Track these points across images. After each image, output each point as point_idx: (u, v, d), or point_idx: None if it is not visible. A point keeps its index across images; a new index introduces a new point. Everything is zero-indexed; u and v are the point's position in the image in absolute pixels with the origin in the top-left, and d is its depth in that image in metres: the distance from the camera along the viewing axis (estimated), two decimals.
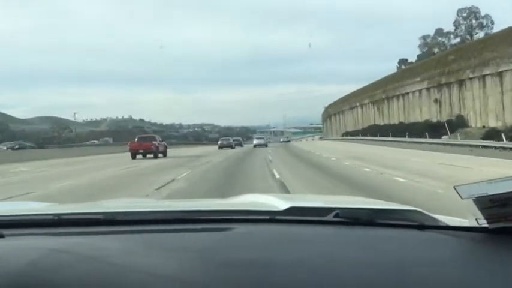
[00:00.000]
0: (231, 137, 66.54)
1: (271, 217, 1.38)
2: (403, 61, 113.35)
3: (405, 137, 44.91)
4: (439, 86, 45.58)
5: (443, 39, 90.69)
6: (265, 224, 1.36)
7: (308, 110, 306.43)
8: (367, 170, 16.88)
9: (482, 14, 78.15)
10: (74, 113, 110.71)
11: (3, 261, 1.00)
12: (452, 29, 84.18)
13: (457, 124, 40.09)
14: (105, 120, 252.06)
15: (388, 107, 62.09)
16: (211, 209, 1.59)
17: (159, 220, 1.42)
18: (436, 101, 46.14)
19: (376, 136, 56.02)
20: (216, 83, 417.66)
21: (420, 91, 50.13)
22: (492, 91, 37.48)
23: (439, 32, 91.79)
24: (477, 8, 78.25)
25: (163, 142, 35.19)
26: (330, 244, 1.17)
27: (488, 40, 44.54)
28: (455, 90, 42.77)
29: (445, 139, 37.64)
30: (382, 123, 63.36)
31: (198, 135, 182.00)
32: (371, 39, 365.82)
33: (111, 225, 1.37)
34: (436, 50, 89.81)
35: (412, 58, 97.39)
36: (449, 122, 41.39)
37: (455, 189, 1.07)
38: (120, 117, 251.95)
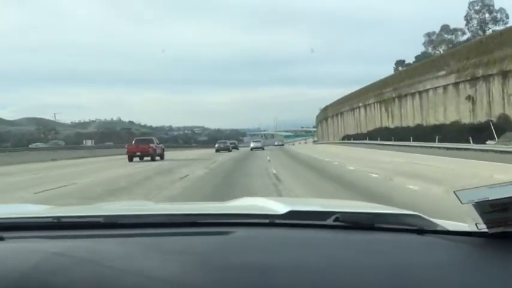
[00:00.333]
0: (228, 140, 65.48)
1: (271, 221, 1.35)
2: (400, 62, 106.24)
3: (431, 141, 36.25)
4: (473, 80, 36.60)
5: (450, 36, 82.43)
6: (265, 227, 1.34)
7: (299, 113, 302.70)
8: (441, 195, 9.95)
9: (496, 7, 70.43)
10: (54, 114, 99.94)
11: (3, 264, 0.99)
12: (458, 25, 76.61)
13: (501, 126, 31.23)
14: (93, 121, 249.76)
15: (399, 106, 53.15)
16: (210, 213, 1.59)
17: (160, 223, 1.39)
18: (468, 97, 37.09)
19: (388, 140, 47.15)
20: (207, 85, 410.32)
21: (445, 87, 41.16)
22: None
23: (445, 28, 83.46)
24: (491, 0, 69.97)
25: (161, 145, 34.07)
26: (330, 248, 1.16)
27: None
28: (495, 84, 33.81)
29: (491, 145, 28.85)
30: (392, 126, 54.45)
31: (188, 138, 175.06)
32: (363, 42, 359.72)
33: (112, 228, 1.34)
34: (441, 48, 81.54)
35: (410, 59, 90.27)
36: (487, 123, 32.64)
37: (455, 194, 1.06)
38: (109, 118, 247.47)
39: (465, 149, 28.22)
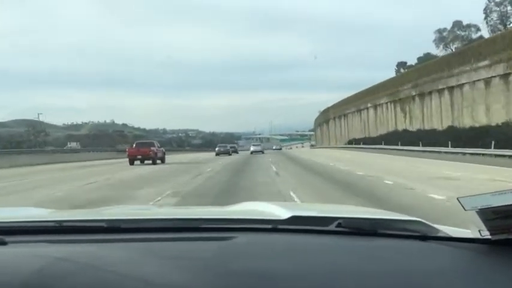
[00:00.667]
0: (228, 144, 64.56)
1: (273, 226, 1.33)
2: (402, 64, 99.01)
3: (476, 147, 27.87)
4: None
5: (463, 33, 74.27)
6: (267, 233, 1.31)
7: (294, 117, 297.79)
8: None
9: None
10: (38, 114, 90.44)
11: (7, 269, 0.98)
12: (469, 21, 68.64)
13: None
14: (86, 124, 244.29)
15: (421, 106, 44.66)
16: (213, 217, 1.56)
17: (162, 228, 1.36)
18: None
19: (412, 145, 38.62)
20: (202, 89, 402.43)
21: (488, 80, 32.66)
22: None
23: (458, 24, 75.34)
24: None
25: (162, 148, 32.83)
26: (332, 254, 1.14)
27: None
28: None
29: None
30: (412, 128, 45.95)
31: (181, 141, 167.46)
32: (360, 47, 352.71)
33: (114, 232, 1.32)
34: (454, 46, 73.36)
35: (411, 62, 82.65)
36: None
37: (458, 200, 1.04)
38: (102, 121, 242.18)
39: None
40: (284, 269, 1.01)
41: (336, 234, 1.26)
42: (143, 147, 30.51)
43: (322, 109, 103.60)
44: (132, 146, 32.21)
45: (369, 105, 60.56)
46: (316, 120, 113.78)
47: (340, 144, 71.43)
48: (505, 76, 30.62)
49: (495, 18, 64.43)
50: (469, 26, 74.25)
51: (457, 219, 3.43)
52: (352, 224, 1.28)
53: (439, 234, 1.25)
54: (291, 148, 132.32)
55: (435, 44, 76.23)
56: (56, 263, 0.99)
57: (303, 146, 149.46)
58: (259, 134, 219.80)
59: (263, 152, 53.85)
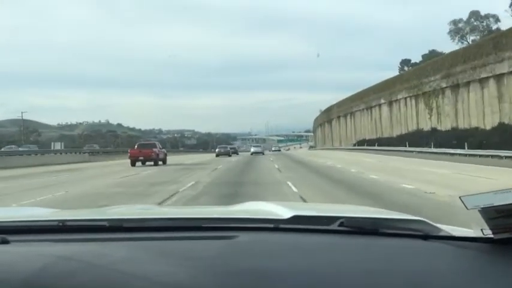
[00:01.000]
0: (228, 145, 63.45)
1: (275, 225, 1.31)
2: (406, 62, 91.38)
3: None
4: None
5: (481, 23, 66.30)
6: (269, 232, 1.29)
7: (291, 118, 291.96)
8: None
9: None
10: (22, 113, 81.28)
11: (10, 267, 0.98)
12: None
13: None
14: (81, 124, 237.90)
15: (453, 100, 36.42)
16: (215, 217, 1.55)
17: (164, 227, 1.35)
18: None
19: (449, 147, 30.44)
20: (198, 89, 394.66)
21: None
22: None
23: (475, 14, 67.34)
24: None
25: (163, 149, 32.13)
26: (335, 253, 1.12)
27: None
28: None
29: None
30: (441, 127, 37.72)
31: (176, 142, 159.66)
32: (356, 48, 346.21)
33: (117, 232, 1.30)
34: (472, 38, 65.44)
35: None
36: None
37: (460, 199, 1.02)
38: (96, 121, 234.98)
39: None
40: (286, 268, 1.00)
41: (338, 234, 1.24)
42: (145, 148, 29.43)
43: (323, 108, 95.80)
44: (134, 147, 31.16)
45: (382, 101, 52.28)
46: (316, 120, 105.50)
47: (346, 146, 63.13)
48: None
49: None
50: (487, 16, 66.37)
51: None
52: (354, 223, 1.25)
53: (441, 234, 1.22)
54: (288, 149, 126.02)
55: (450, 36, 68.05)
56: (59, 262, 0.97)
57: (300, 147, 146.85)
58: (256, 135, 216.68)
59: (263, 153, 51.75)
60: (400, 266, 1.04)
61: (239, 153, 59.87)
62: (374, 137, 53.76)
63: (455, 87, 35.88)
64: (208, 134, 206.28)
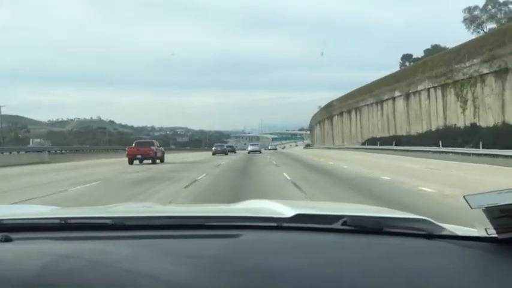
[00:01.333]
0: (225, 144, 61.48)
1: (279, 224, 1.28)
2: (407, 57, 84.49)
3: None
4: None
5: (497, 10, 58.83)
6: (273, 231, 1.27)
7: (284, 116, 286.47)
8: None
9: None
10: (0, 107, 72.24)
11: (13, 266, 0.96)
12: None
13: None
14: (72, 120, 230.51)
15: (499, 89, 28.77)
16: (218, 215, 1.51)
17: (168, 225, 1.32)
18: None
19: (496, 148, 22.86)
20: (192, 87, 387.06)
21: None
22: None
23: (492, 1, 59.84)
24: None
25: (161, 148, 30.99)
26: (338, 252, 1.10)
27: None
28: None
29: None
30: (482, 124, 30.08)
31: (167, 139, 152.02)
32: (351, 48, 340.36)
33: (120, 230, 1.28)
34: (489, 26, 58.01)
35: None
36: None
37: (465, 199, 1.01)
38: (88, 118, 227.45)
39: None
40: (290, 267, 0.98)
41: (341, 232, 1.21)
42: (143, 146, 28.77)
43: (321, 105, 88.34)
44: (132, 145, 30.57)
45: (397, 94, 44.62)
46: (314, 117, 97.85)
47: (351, 144, 55.50)
48: None
49: None
50: (505, 3, 58.94)
51: None
52: (357, 222, 1.23)
53: (445, 233, 1.20)
54: (284, 147, 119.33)
55: (465, 24, 60.46)
56: (62, 260, 0.96)
57: (296, 145, 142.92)
58: (249, 133, 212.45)
59: (261, 152, 49.80)
60: (403, 265, 1.01)
61: (239, 151, 57.75)
62: (386, 134, 46.13)
63: (501, 73, 28.23)
64: (201, 132, 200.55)
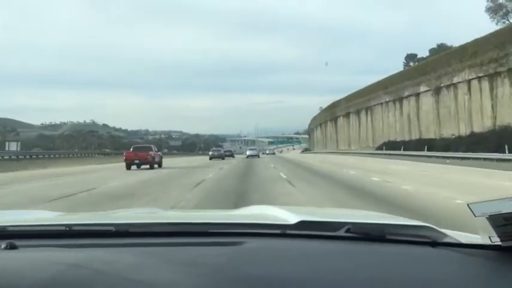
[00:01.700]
0: (222, 148, 61.02)
1: (282, 231, 1.26)
2: (411, 56, 77.59)
3: None
4: None
5: None
6: (276, 238, 1.25)
7: (280, 120, 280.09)
8: None
9: None
10: None
11: (19, 274, 0.95)
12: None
13: None
14: (65, 124, 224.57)
15: None
16: (221, 222, 1.48)
17: (171, 233, 1.29)
18: None
19: None
20: (187, 90, 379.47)
21: None
22: None
23: None
24: None
25: (159, 152, 30.36)
26: (342, 260, 1.08)
27: None
28: None
29: None
30: None
31: (160, 143, 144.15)
32: (346, 53, 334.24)
33: (123, 237, 1.27)
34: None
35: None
36: None
37: (468, 206, 0.98)
38: (81, 121, 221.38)
39: None
40: (294, 274, 0.97)
41: (345, 240, 1.20)
42: (140, 151, 27.58)
43: (323, 106, 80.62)
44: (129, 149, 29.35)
45: (423, 89, 36.72)
46: (314, 119, 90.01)
47: (360, 149, 47.55)
48: None
49: None
50: None
51: None
52: (361, 229, 1.21)
53: (449, 240, 1.18)
54: (281, 151, 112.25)
55: (489, 14, 52.70)
56: (67, 269, 0.95)
57: (294, 149, 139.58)
58: (245, 136, 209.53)
59: (259, 156, 49.39)
60: (407, 273, 1.00)
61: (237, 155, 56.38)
62: (406, 137, 38.25)
63: None
64: (196, 135, 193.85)
